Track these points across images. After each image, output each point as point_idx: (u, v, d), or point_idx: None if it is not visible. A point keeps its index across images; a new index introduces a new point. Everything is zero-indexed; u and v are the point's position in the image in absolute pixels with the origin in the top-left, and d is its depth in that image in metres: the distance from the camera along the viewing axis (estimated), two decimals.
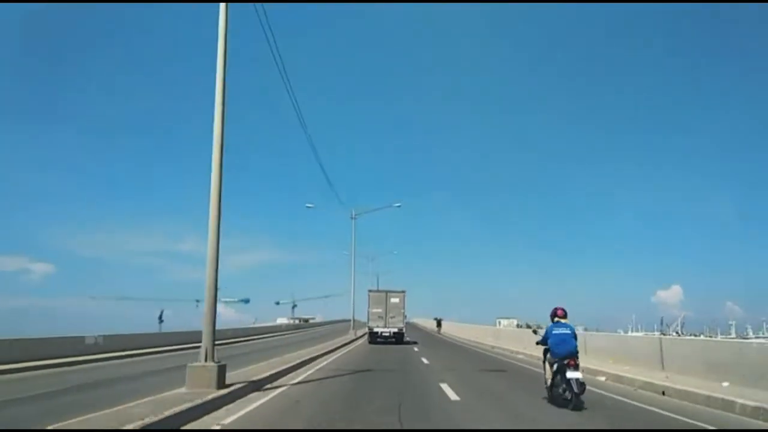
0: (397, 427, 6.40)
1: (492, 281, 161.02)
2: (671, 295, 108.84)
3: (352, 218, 35.99)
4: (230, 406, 7.56)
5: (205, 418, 6.67)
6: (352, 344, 26.20)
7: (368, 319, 28.62)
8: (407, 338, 29.41)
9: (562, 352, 7.83)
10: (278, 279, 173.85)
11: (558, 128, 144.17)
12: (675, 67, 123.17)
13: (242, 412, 7.15)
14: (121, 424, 5.25)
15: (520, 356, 19.76)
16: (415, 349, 23.99)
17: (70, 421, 5.56)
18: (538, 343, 8.81)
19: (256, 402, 8.02)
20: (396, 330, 27.80)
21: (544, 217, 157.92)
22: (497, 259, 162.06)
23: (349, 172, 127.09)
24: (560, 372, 7.75)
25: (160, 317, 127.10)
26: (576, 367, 7.58)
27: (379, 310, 28.17)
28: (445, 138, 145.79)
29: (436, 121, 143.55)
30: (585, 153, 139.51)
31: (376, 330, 27.91)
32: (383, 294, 29.16)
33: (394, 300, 28.47)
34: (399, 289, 29.41)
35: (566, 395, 7.57)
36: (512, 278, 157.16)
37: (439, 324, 51.86)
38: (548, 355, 8.33)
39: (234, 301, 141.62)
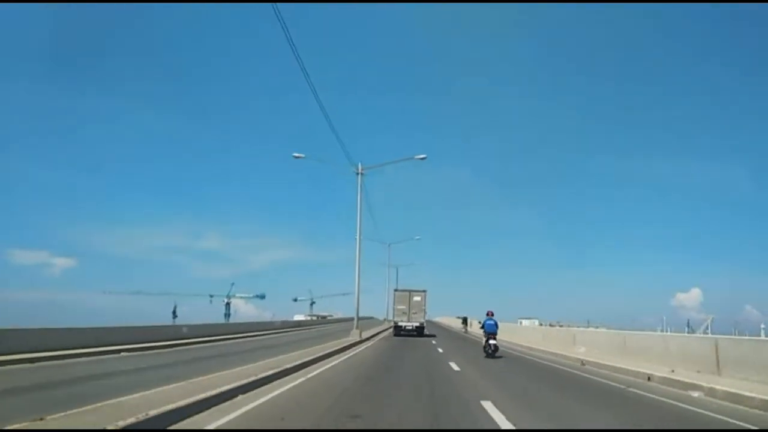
0: None
1: (509, 283, 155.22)
2: (691, 297, 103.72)
3: (358, 173, 25.94)
4: None
5: None
6: (342, 355, 15.99)
7: (393, 315, 33.08)
8: (427, 332, 32.22)
9: (489, 331, 16.95)
10: (299, 276, 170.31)
11: (576, 123, 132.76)
12: (701, 64, 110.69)
13: None
14: None
15: (653, 384, 9.40)
16: (455, 367, 13.62)
17: None
18: (481, 328, 18.46)
19: None
20: (417, 324, 30.87)
21: (562, 217, 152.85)
22: (515, 261, 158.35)
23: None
24: (487, 340, 16.90)
25: (174, 312, 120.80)
26: (495, 338, 16.83)
27: (403, 307, 31.17)
28: (454, 130, 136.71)
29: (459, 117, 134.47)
30: (609, 149, 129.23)
31: (400, 324, 31.00)
32: (407, 293, 31.85)
33: (417, 298, 31.37)
34: (421, 288, 32.09)
35: (489, 351, 16.69)
36: (529, 280, 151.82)
37: (465, 322, 48.25)
38: (483, 332, 17.64)
39: (249, 297, 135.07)
